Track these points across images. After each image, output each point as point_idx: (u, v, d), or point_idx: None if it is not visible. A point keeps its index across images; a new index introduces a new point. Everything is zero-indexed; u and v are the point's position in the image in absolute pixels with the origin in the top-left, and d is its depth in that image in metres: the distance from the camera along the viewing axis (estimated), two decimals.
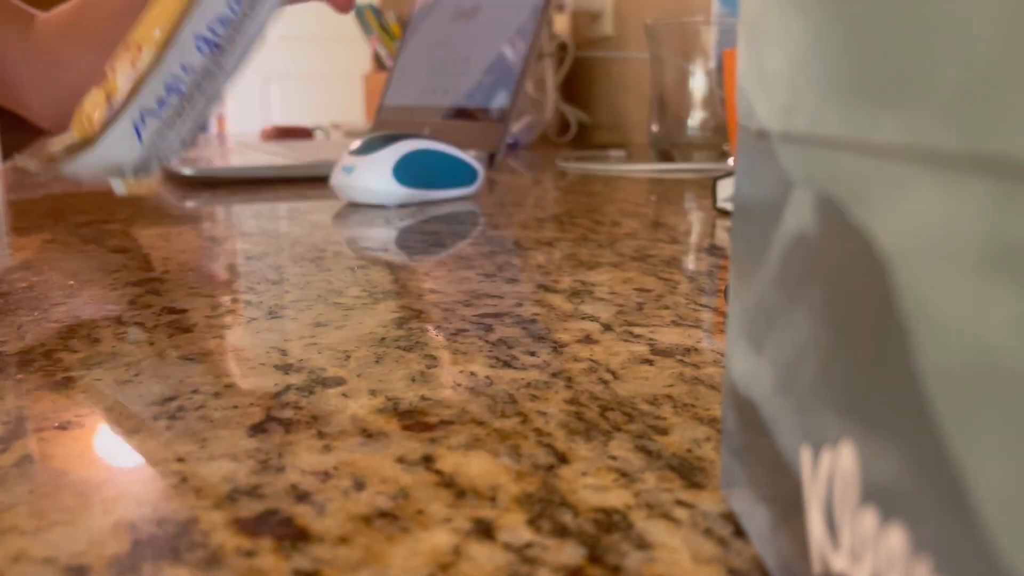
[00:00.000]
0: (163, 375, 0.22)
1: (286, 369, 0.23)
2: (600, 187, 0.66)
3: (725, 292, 0.31)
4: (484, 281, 0.33)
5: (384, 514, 0.15)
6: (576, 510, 0.15)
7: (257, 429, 0.19)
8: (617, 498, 0.15)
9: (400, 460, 0.17)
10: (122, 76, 0.44)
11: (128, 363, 0.23)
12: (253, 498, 0.16)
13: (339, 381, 0.22)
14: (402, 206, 0.55)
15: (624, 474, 0.16)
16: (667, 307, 0.29)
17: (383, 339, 0.26)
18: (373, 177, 0.54)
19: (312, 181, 0.71)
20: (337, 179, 0.55)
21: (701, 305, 0.29)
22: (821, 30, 0.10)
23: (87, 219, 0.50)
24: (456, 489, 0.16)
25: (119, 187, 0.46)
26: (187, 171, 0.67)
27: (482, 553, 0.14)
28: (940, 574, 0.08)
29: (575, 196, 0.60)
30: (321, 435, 0.18)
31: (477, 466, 0.17)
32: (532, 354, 0.24)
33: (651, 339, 0.25)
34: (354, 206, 0.55)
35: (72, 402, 0.20)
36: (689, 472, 0.17)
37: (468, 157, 0.59)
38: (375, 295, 0.31)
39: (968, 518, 0.08)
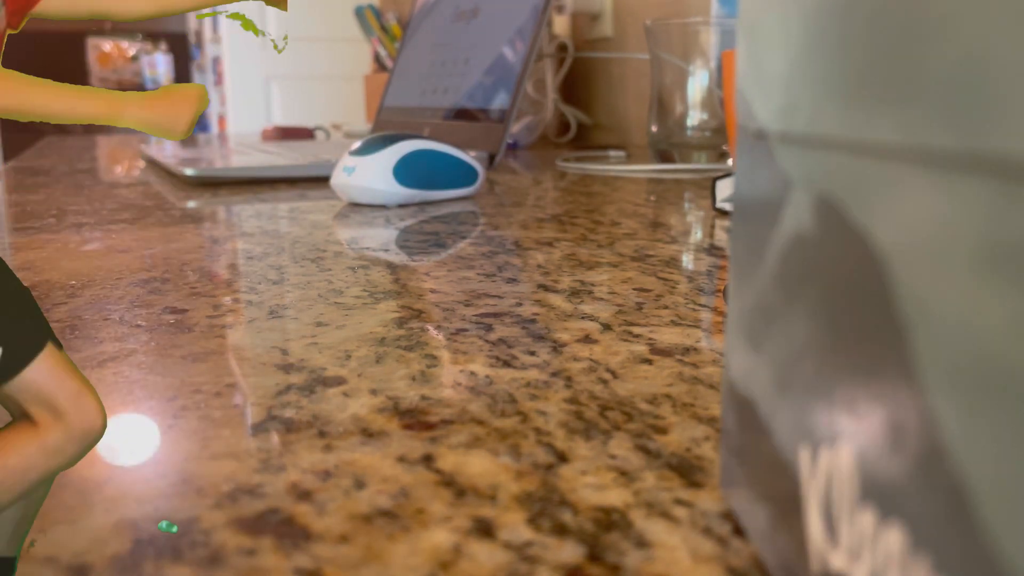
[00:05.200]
0: (165, 375, 0.22)
1: (287, 369, 0.23)
2: (600, 187, 0.66)
3: (724, 292, 0.31)
4: (484, 281, 0.33)
5: (385, 513, 0.15)
6: (576, 509, 0.15)
7: (258, 428, 0.19)
8: (616, 497, 0.15)
9: (400, 459, 0.17)
10: None
11: (129, 363, 0.23)
12: (254, 497, 0.16)
13: (340, 380, 0.22)
14: (402, 206, 0.55)
15: (623, 473, 0.16)
16: (666, 307, 0.29)
17: (383, 339, 0.26)
18: (373, 177, 0.54)
19: (313, 181, 0.71)
20: (337, 179, 0.55)
21: (700, 305, 0.29)
22: (820, 30, 0.11)
23: (88, 219, 0.50)
24: (456, 488, 0.16)
25: None
26: (188, 172, 0.67)
27: (482, 552, 0.14)
28: (938, 573, 0.08)
29: (575, 196, 0.60)
30: (322, 434, 0.18)
31: (477, 465, 0.17)
32: (532, 353, 0.24)
33: (650, 339, 0.25)
34: (354, 206, 0.55)
35: None
36: (688, 471, 0.17)
37: (468, 157, 0.59)
38: (375, 295, 0.31)
39: (967, 517, 0.08)
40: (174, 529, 0.14)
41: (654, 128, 0.86)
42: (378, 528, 0.14)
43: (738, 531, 0.14)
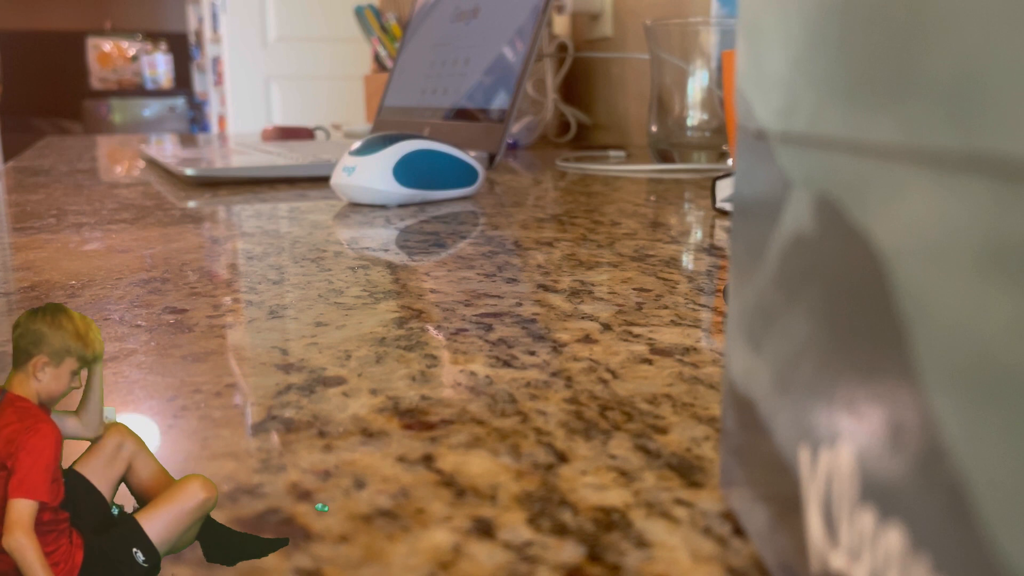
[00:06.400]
0: (165, 375, 0.22)
1: (287, 368, 0.23)
2: (599, 187, 0.66)
3: (724, 292, 0.31)
4: (484, 281, 0.33)
5: (385, 513, 0.15)
6: (576, 509, 0.15)
7: (258, 428, 0.19)
8: (616, 497, 0.15)
9: (400, 459, 0.17)
10: None
11: (129, 363, 0.23)
12: (254, 497, 0.16)
13: (340, 380, 0.22)
14: (402, 206, 0.55)
15: (623, 473, 0.16)
16: (666, 307, 0.29)
17: (383, 339, 0.26)
18: (373, 177, 0.54)
19: (313, 181, 0.71)
20: (338, 179, 0.55)
21: (700, 305, 0.29)
22: (820, 31, 0.11)
23: (88, 219, 0.50)
24: (456, 488, 0.16)
25: None
26: (188, 172, 0.67)
27: (482, 552, 0.14)
28: (938, 573, 0.08)
29: (575, 196, 0.60)
30: (322, 434, 0.18)
31: (477, 465, 0.17)
32: (532, 353, 0.24)
33: (650, 339, 0.25)
34: (354, 206, 0.55)
35: None
36: (688, 471, 0.17)
37: (468, 157, 0.59)
38: (375, 295, 0.31)
39: (967, 517, 0.08)
40: (326, 509, 0.15)
41: (654, 128, 0.86)
42: (378, 528, 0.14)
43: (738, 531, 0.14)
